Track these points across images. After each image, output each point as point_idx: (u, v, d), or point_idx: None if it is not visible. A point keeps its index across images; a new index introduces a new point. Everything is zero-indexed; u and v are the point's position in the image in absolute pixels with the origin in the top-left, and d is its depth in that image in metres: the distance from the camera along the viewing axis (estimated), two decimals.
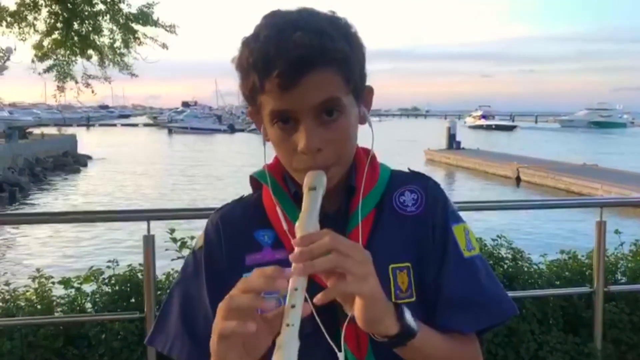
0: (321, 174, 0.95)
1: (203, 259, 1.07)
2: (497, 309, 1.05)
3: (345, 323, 0.94)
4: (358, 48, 0.98)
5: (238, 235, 1.06)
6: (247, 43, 0.95)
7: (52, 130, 42.15)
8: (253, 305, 0.79)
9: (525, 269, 3.53)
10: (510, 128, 78.59)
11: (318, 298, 0.82)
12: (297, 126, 0.94)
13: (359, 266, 0.83)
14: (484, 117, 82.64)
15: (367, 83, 1.03)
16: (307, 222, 0.89)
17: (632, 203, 6.16)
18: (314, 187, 0.93)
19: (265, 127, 1.00)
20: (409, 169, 1.16)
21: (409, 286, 1.02)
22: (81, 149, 36.02)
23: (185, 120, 72.69)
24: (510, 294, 3.24)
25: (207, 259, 1.07)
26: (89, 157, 35.08)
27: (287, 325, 0.79)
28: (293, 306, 0.80)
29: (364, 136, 1.09)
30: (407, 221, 1.05)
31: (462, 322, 1.01)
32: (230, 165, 32.34)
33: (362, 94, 1.02)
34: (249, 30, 0.98)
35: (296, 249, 0.83)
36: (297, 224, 0.89)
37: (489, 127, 76.16)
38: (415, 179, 1.11)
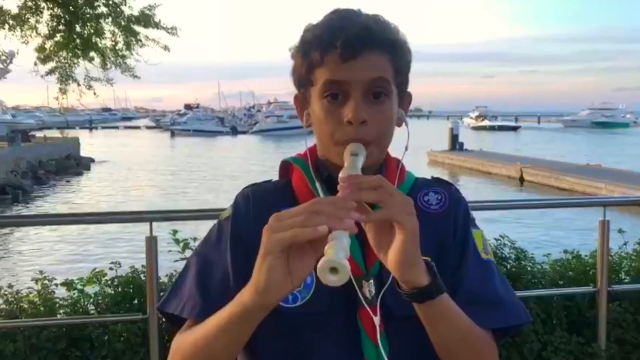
0: (362, 146, 1.00)
1: (230, 226, 1.08)
2: (512, 312, 1.07)
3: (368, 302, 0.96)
4: (407, 51, 1.08)
5: (266, 209, 1.06)
6: (310, 26, 1.05)
7: (54, 133, 42.22)
8: (337, 213, 0.81)
9: (529, 269, 3.51)
10: (513, 129, 78.51)
11: (363, 217, 0.85)
12: (346, 101, 1.01)
13: (404, 204, 0.88)
14: (480, 117, 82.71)
15: None
16: (351, 171, 0.94)
17: (635, 202, 6.14)
18: (356, 154, 0.99)
19: (309, 110, 1.07)
20: (432, 176, 1.21)
21: None
22: (84, 152, 36.09)
23: (188, 123, 72.84)
24: None
25: (233, 226, 1.08)
26: (92, 160, 35.16)
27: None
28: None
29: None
30: (430, 218, 1.08)
31: (481, 316, 1.02)
32: (233, 167, 32.37)
33: (404, 96, 1.10)
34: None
35: (342, 183, 0.88)
36: (340, 173, 0.94)
37: (492, 128, 76.10)
38: (438, 183, 1.18)
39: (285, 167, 1.15)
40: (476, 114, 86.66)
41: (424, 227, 1.05)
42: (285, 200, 1.09)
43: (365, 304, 0.98)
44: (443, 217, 1.10)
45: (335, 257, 0.76)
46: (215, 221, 1.15)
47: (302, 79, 1.06)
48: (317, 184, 1.07)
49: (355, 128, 1.00)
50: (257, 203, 1.10)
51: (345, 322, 1.00)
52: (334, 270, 0.76)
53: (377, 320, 0.97)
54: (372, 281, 1.01)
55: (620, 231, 3.78)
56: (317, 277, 0.79)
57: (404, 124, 1.11)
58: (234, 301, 0.90)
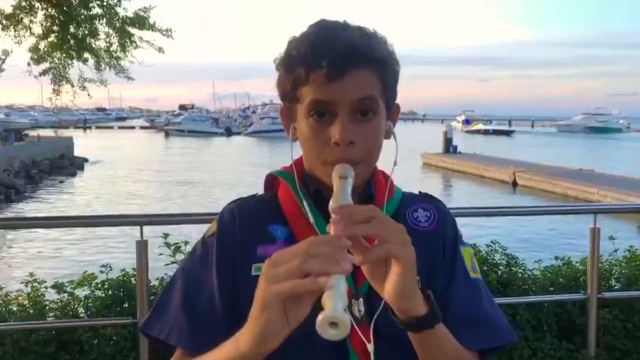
0: (350, 167, 0.98)
1: (215, 243, 1.06)
2: (499, 331, 1.07)
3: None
4: (395, 63, 1.05)
5: (252, 226, 1.06)
6: (295, 40, 1.02)
7: (48, 133, 42.08)
8: (327, 269, 0.77)
9: (520, 275, 3.53)
10: (507, 133, 78.76)
11: (359, 259, 0.84)
12: (333, 120, 0.99)
13: (398, 233, 0.85)
14: (467, 122, 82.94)
15: None
16: (341, 198, 0.92)
17: (625, 210, 6.17)
18: (345, 176, 0.97)
19: (295, 124, 1.05)
20: (419, 191, 1.20)
21: None
22: (78, 152, 35.96)
23: (183, 123, 72.71)
24: (505, 300, 3.30)
25: (219, 244, 1.06)
26: (86, 160, 35.04)
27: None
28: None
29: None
30: (419, 237, 1.06)
31: (468, 337, 1.01)
32: (226, 170, 32.32)
33: (392, 108, 1.08)
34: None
35: (334, 215, 0.85)
36: (331, 201, 0.91)
37: (486, 132, 76.31)
38: (426, 199, 1.16)
39: (271, 180, 1.14)
40: (463, 117, 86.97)
41: (414, 245, 1.06)
42: (271, 216, 1.07)
43: (355, 325, 0.96)
44: (432, 235, 1.09)
45: (334, 312, 0.74)
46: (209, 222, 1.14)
47: (288, 94, 1.04)
48: (305, 203, 1.05)
49: (342, 149, 0.98)
50: (243, 220, 1.08)
51: (334, 343, 0.98)
52: (333, 324, 0.74)
53: (371, 347, 0.95)
54: (361, 300, 1.00)
55: (611, 238, 3.81)
56: None
57: (392, 136, 1.09)
58: (229, 346, 0.87)
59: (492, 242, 3.66)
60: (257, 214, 1.09)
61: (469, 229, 1.18)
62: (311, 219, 1.03)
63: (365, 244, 0.86)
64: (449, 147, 36.36)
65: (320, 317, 0.74)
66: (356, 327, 0.97)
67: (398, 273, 0.85)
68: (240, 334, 0.84)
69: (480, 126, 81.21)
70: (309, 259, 0.78)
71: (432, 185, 25.94)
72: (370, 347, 0.96)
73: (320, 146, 1.00)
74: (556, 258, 3.80)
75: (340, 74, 0.96)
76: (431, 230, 1.10)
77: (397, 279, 0.86)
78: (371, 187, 1.09)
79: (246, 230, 1.07)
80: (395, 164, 1.09)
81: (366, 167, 1.03)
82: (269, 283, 0.78)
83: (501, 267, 3.53)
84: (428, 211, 1.12)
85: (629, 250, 3.87)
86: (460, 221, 1.17)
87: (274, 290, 0.78)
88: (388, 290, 0.87)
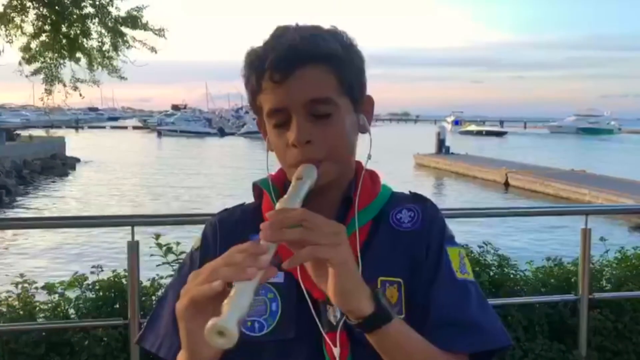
0: (311, 167, 0.97)
1: (199, 258, 1.07)
2: (490, 335, 1.02)
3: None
4: (354, 55, 1.03)
5: (234, 238, 1.04)
6: (248, 51, 1.02)
7: (40, 133, 41.82)
8: (233, 276, 0.78)
9: (511, 276, 3.54)
10: (500, 134, 79.11)
11: (285, 264, 0.83)
12: (290, 124, 0.98)
13: (328, 236, 0.84)
14: (456, 122, 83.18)
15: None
16: (286, 203, 0.90)
17: (616, 211, 6.20)
18: (301, 177, 0.95)
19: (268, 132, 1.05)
20: (410, 191, 1.17)
21: (398, 301, 1.01)
22: (69, 152, 35.78)
23: (176, 123, 72.51)
24: (496, 301, 3.30)
25: (202, 259, 1.07)
26: (78, 160, 34.85)
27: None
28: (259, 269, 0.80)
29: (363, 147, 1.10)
30: (402, 237, 1.06)
31: (453, 340, 0.99)
32: (219, 170, 32.27)
33: (361, 102, 1.05)
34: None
35: (270, 219, 0.84)
36: (277, 205, 0.90)
37: (479, 133, 76.59)
38: (415, 200, 1.13)
39: (259, 188, 1.13)
40: (452, 118, 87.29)
41: (395, 246, 1.05)
42: (252, 228, 1.05)
43: (323, 332, 0.97)
44: (415, 235, 1.07)
45: (222, 321, 0.72)
46: (201, 225, 1.16)
47: (253, 106, 1.05)
48: None
49: (300, 149, 0.97)
50: (224, 233, 1.09)
51: (310, 349, 0.98)
52: (221, 333, 0.73)
53: (336, 352, 0.95)
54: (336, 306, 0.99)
55: (602, 239, 3.83)
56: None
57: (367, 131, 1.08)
58: None
59: (484, 242, 3.67)
60: (239, 225, 1.10)
61: (460, 230, 1.16)
62: None
63: (294, 253, 0.85)
64: (441, 147, 36.46)
65: (209, 324, 0.73)
66: (325, 336, 0.97)
67: (333, 275, 0.85)
68: (180, 353, 0.85)
69: (473, 127, 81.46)
70: (221, 268, 0.78)
71: (425, 186, 26.00)
72: (335, 351, 0.96)
73: (283, 150, 1.01)
74: (548, 259, 3.81)
75: (284, 75, 0.95)
76: (414, 230, 1.07)
77: (332, 280, 0.86)
78: (351, 190, 1.06)
79: (227, 243, 1.04)
80: (369, 157, 1.08)
81: (333, 164, 1.00)
82: (182, 295, 0.80)
83: (493, 268, 3.54)
84: (412, 211, 1.09)
85: (619, 252, 3.89)
86: (450, 222, 1.15)
87: (181, 301, 0.79)
88: (329, 292, 0.87)
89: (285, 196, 0.92)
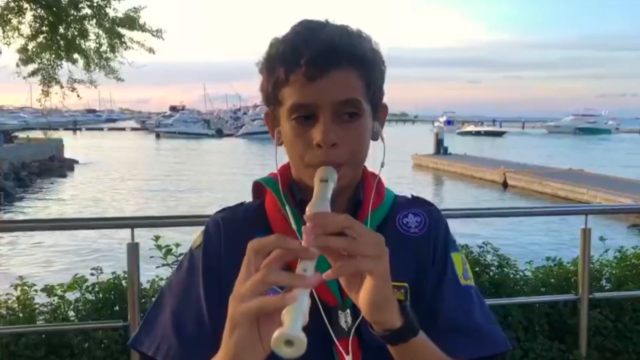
0: (333, 170, 0.95)
1: (201, 256, 1.05)
2: (492, 340, 1.03)
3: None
4: (381, 62, 1.02)
5: (238, 236, 1.04)
6: (275, 41, 0.99)
7: (38, 134, 41.78)
8: (291, 282, 0.75)
9: (511, 276, 3.53)
10: (499, 134, 79.27)
11: (328, 274, 0.81)
12: (315, 122, 0.96)
13: (372, 247, 0.82)
14: (448, 122, 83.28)
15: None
16: (317, 206, 0.88)
17: (615, 210, 6.21)
18: (326, 180, 0.94)
19: (279, 128, 1.03)
20: (412, 195, 1.17)
21: None
22: (68, 154, 35.75)
23: (174, 125, 72.53)
24: (497, 301, 3.30)
25: (205, 256, 1.05)
26: (76, 162, 34.82)
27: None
28: (304, 270, 0.78)
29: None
30: (409, 242, 1.06)
31: (458, 347, 0.99)
32: (217, 171, 32.25)
33: (379, 109, 1.05)
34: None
35: (308, 223, 0.82)
36: (308, 207, 0.88)
37: (478, 133, 76.73)
38: (418, 203, 1.13)
39: (259, 187, 1.11)
40: (444, 119, 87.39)
41: (403, 251, 1.04)
42: (257, 226, 1.05)
43: (335, 339, 0.96)
44: (422, 240, 1.07)
45: (291, 329, 0.71)
46: (197, 228, 1.13)
47: (270, 97, 1.02)
48: (288, 210, 1.03)
49: (325, 151, 0.95)
50: (229, 231, 1.06)
51: (321, 356, 0.96)
52: (289, 342, 0.71)
53: (349, 359, 0.94)
54: (348, 311, 0.98)
55: (601, 239, 3.83)
56: None
57: (380, 138, 1.08)
58: None
59: (484, 242, 3.67)
60: (243, 224, 1.07)
61: (459, 230, 1.16)
62: (293, 226, 1.01)
63: (340, 262, 0.83)
64: (440, 148, 36.51)
65: (275, 334, 0.71)
66: (337, 342, 0.96)
67: (370, 286, 0.83)
68: (217, 356, 0.82)
69: (471, 128, 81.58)
70: (278, 274, 0.76)
71: (424, 186, 26.02)
72: (348, 358, 0.95)
73: (303, 149, 0.98)
74: (547, 259, 3.81)
75: (319, 73, 0.93)
76: (421, 235, 1.07)
77: (369, 291, 0.84)
78: (359, 193, 1.06)
79: (231, 242, 1.05)
80: (382, 165, 1.07)
81: (351, 169, 1.00)
82: (238, 301, 0.77)
83: (493, 268, 3.54)
84: (419, 216, 1.09)
85: (619, 251, 3.89)
86: (450, 223, 1.15)
87: (243, 308, 0.76)
88: (361, 302, 0.86)
89: (314, 199, 0.90)
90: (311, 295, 0.91)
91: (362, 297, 0.85)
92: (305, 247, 0.79)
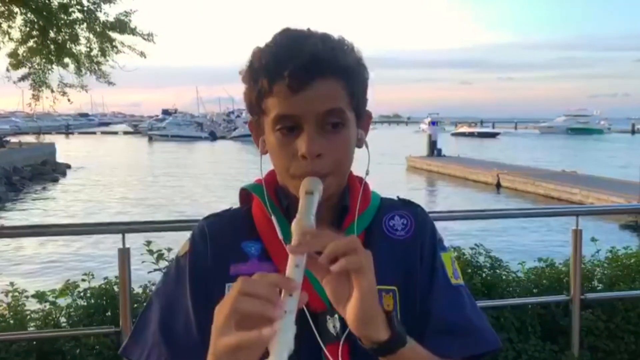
0: (318, 180, 0.95)
1: (188, 264, 1.04)
2: (483, 339, 1.04)
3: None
4: (363, 70, 1.03)
5: (225, 244, 1.04)
6: (258, 51, 0.99)
7: (30, 139, 41.57)
8: (266, 313, 0.74)
9: (504, 277, 3.54)
10: (492, 135, 79.57)
11: (322, 277, 0.84)
12: (299, 133, 0.96)
13: (345, 243, 0.84)
14: (433, 123, 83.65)
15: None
16: (304, 221, 0.88)
17: (606, 211, 6.23)
18: (311, 192, 0.94)
19: (264, 137, 1.03)
20: (397, 197, 1.17)
21: (394, 309, 1.01)
22: (60, 158, 35.59)
23: (167, 128, 72.35)
24: (489, 302, 3.30)
25: (191, 265, 1.04)
26: (68, 166, 34.69)
27: (285, 312, 0.76)
28: (290, 295, 0.78)
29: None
30: (396, 245, 1.06)
31: (451, 346, 1.00)
32: (211, 175, 32.19)
33: (363, 116, 1.05)
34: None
35: (294, 240, 0.83)
36: (293, 223, 0.89)
37: (471, 135, 76.99)
38: (404, 205, 1.13)
39: (246, 193, 1.11)
40: (429, 120, 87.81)
41: (390, 254, 1.04)
42: (244, 232, 1.05)
43: (322, 344, 0.96)
44: (409, 243, 1.07)
45: None
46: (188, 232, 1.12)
47: (254, 106, 1.02)
48: (273, 217, 1.03)
49: (309, 162, 0.95)
50: (214, 238, 1.06)
51: None
52: None
53: None
54: (336, 316, 0.98)
55: (593, 239, 3.84)
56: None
57: (364, 145, 1.08)
58: None
59: (476, 244, 3.68)
60: (230, 231, 1.07)
61: (451, 232, 1.15)
62: (280, 235, 1.01)
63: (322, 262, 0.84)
64: (433, 150, 36.58)
65: None
66: (324, 349, 0.96)
67: (357, 300, 0.84)
68: None
69: (465, 129, 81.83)
70: (262, 306, 0.75)
71: (417, 188, 26.05)
72: None
73: (288, 159, 0.98)
74: (539, 260, 3.82)
75: (303, 85, 0.93)
76: (408, 237, 1.07)
77: (355, 307, 0.85)
78: (346, 199, 1.06)
79: (218, 249, 1.05)
80: (367, 173, 1.07)
81: (336, 179, 1.00)
82: (218, 333, 0.77)
83: (485, 270, 3.54)
84: (405, 218, 1.10)
85: (610, 251, 3.91)
86: (444, 224, 1.15)
87: (222, 344, 0.75)
88: (349, 317, 0.87)
89: (299, 215, 0.90)
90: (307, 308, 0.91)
91: (349, 312, 0.86)
92: (288, 280, 0.79)
